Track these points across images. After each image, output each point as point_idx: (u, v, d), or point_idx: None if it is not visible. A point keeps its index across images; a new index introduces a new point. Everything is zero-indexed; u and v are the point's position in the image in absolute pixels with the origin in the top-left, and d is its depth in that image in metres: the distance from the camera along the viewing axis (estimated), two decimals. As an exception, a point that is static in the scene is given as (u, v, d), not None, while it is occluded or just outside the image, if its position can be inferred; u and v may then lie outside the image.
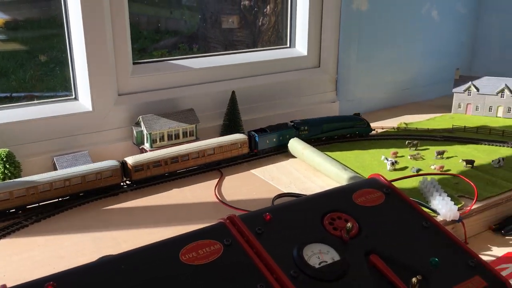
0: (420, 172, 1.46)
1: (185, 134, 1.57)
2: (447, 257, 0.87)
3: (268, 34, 2.23)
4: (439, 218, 1.21)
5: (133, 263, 0.75)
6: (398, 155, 1.61)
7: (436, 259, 0.85)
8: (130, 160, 1.35)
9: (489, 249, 1.24)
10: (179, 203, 1.32)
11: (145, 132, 1.50)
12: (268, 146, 1.62)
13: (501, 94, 1.99)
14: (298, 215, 0.91)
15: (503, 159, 1.54)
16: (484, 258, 1.19)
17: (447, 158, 1.59)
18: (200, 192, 1.37)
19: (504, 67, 2.22)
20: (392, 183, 1.35)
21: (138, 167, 1.36)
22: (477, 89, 2.02)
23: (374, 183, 1.03)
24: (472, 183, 1.30)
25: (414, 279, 0.78)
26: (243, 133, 1.61)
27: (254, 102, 1.83)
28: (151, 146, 1.50)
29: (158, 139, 1.51)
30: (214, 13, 2.26)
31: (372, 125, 1.82)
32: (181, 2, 2.29)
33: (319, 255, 0.82)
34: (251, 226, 0.84)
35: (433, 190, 1.30)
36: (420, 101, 2.29)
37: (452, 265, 0.86)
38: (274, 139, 1.63)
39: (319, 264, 0.80)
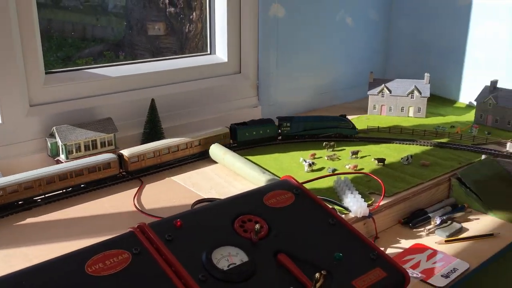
0: (336, 172, 1.52)
1: (103, 144, 1.54)
2: (350, 252, 0.92)
3: (195, 41, 2.24)
4: (351, 215, 1.28)
5: (35, 279, 0.73)
6: (316, 156, 1.67)
7: (340, 254, 0.90)
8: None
9: (398, 242, 1.32)
10: (96, 214, 1.29)
11: (59, 143, 1.46)
12: (247, 139, 1.73)
13: (411, 95, 2.12)
14: (210, 220, 0.92)
15: (411, 156, 1.64)
16: (393, 250, 1.28)
17: (361, 157, 1.67)
18: (119, 201, 1.36)
19: (415, 70, 2.36)
20: (309, 183, 1.42)
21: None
22: (390, 91, 2.14)
23: (285, 185, 1.06)
24: (380, 180, 1.38)
25: (317, 274, 0.82)
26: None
27: (175, 110, 1.83)
28: (66, 157, 1.46)
29: (74, 150, 1.48)
30: (140, 20, 2.24)
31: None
32: (107, 9, 2.25)
33: (228, 257, 0.84)
34: (161, 233, 0.85)
35: (345, 189, 1.36)
36: (338, 104, 2.38)
37: (355, 259, 0.91)
38: (254, 132, 1.73)
39: (228, 266, 0.83)
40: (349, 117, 1.91)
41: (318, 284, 0.82)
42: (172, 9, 2.22)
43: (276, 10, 2.00)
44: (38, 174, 1.30)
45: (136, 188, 1.43)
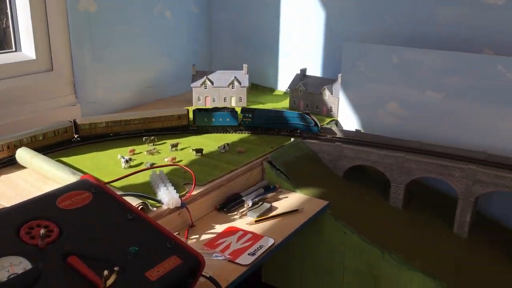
0: (154, 166, 1.53)
1: None
2: (147, 244, 0.93)
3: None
4: (164, 207, 1.30)
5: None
6: (135, 152, 1.66)
7: (136, 247, 0.91)
8: None
9: (213, 227, 1.38)
10: None
11: None
12: (206, 124, 1.85)
13: (232, 86, 2.22)
14: (-10, 231, 0.86)
15: (228, 144, 1.72)
16: (208, 236, 1.33)
17: (181, 149, 1.70)
18: None
19: (237, 61, 2.46)
20: (126, 180, 1.40)
21: None
22: (212, 83, 2.21)
23: (82, 185, 1.04)
24: (190, 170, 1.42)
25: (105, 272, 0.81)
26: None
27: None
28: None
29: None
30: None
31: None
32: None
33: (9, 268, 0.80)
34: None
35: (159, 182, 1.38)
36: (166, 97, 2.39)
37: (151, 250, 0.92)
38: (213, 119, 1.84)
39: (8, 277, 0.78)
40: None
41: (108, 281, 0.82)
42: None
43: (86, 4, 1.92)
44: None
45: None
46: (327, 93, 2.12)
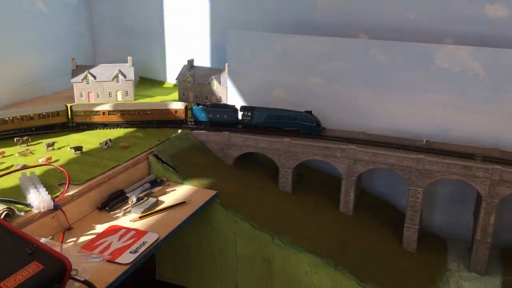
0: (25, 167, 1.41)
1: None
2: (3, 252, 0.85)
3: None
4: (35, 211, 1.19)
5: None
6: (5, 154, 1.52)
7: (-12, 257, 0.82)
8: None
9: (94, 228, 1.30)
10: None
11: None
12: (203, 119, 1.79)
13: (116, 79, 2.12)
14: None
15: (110, 140, 1.64)
16: (87, 237, 1.25)
17: (59, 148, 1.59)
18: None
19: (123, 54, 2.35)
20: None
21: None
22: (94, 77, 2.09)
23: None
24: (63, 170, 1.33)
25: None
26: None
27: None
28: None
29: None
30: None
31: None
32: None
33: None
34: None
35: (29, 185, 1.27)
36: (46, 95, 2.23)
37: (8, 258, 0.84)
38: (211, 115, 1.78)
39: None
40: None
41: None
42: None
43: None
44: None
45: None
46: (215, 83, 2.10)
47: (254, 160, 1.83)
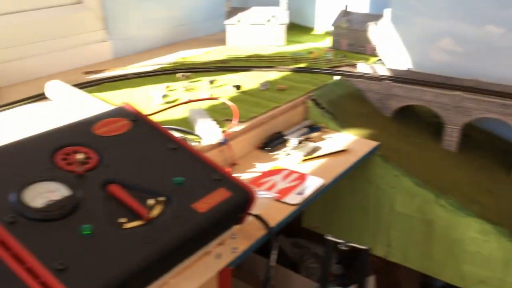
0: (193, 100, 1.43)
1: None
2: (192, 175, 0.84)
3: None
4: (204, 143, 1.20)
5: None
6: (170, 88, 1.56)
7: (180, 178, 0.82)
8: None
9: (256, 166, 1.28)
10: None
11: None
12: None
13: (269, 23, 2.07)
14: (22, 155, 0.78)
15: (269, 82, 1.60)
16: (251, 175, 1.24)
17: (219, 86, 1.60)
18: None
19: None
20: (162, 116, 1.31)
21: None
22: (247, 20, 2.06)
23: (119, 112, 0.94)
24: (232, 105, 1.32)
25: (151, 201, 0.73)
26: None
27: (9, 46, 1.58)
28: None
29: None
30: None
31: (148, 62, 1.73)
32: None
33: (47, 194, 0.72)
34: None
35: (199, 117, 1.28)
36: (198, 36, 2.27)
37: (197, 182, 0.84)
38: None
39: (46, 204, 0.70)
40: (209, 49, 1.79)
41: (155, 212, 0.74)
42: None
43: None
44: None
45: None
46: (372, 30, 1.96)
47: (413, 113, 1.69)
